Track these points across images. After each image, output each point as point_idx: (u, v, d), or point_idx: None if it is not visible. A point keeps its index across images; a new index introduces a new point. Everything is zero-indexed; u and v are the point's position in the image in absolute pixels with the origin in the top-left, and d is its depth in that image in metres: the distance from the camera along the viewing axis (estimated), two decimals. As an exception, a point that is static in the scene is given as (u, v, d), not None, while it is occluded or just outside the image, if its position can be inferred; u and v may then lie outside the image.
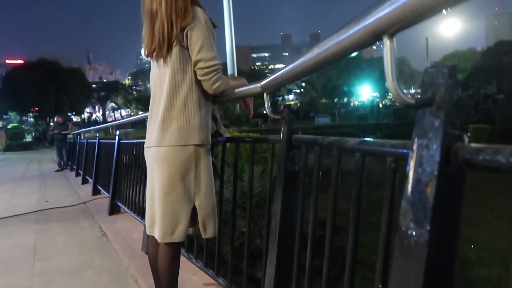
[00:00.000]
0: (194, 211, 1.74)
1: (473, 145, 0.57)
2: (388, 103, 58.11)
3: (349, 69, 60.96)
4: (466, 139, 0.59)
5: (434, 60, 66.51)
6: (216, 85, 1.70)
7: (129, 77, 74.47)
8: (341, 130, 17.77)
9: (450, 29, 79.40)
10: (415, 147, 0.62)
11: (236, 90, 1.73)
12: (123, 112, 67.78)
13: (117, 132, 5.18)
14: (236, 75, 36.17)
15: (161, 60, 1.71)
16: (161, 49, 1.67)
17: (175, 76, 1.69)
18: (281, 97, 49.53)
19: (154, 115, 1.75)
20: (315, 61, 0.97)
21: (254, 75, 71.47)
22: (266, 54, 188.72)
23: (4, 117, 33.82)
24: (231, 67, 39.70)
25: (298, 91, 47.66)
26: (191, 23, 1.63)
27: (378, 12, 0.63)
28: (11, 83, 26.35)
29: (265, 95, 1.52)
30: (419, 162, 0.60)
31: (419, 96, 0.63)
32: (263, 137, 1.83)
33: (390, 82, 0.63)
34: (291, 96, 63.09)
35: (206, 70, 1.67)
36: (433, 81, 0.59)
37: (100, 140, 6.73)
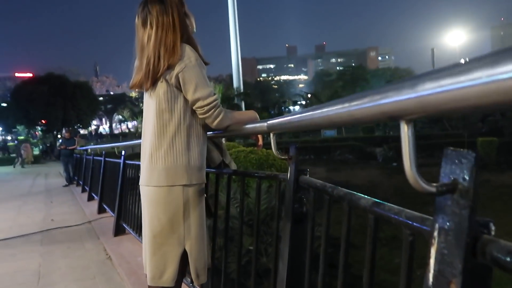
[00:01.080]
0: (185, 255, 1.69)
1: (502, 242, 0.51)
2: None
3: (355, 80, 61.12)
4: (492, 228, 0.54)
5: (440, 70, 66.19)
6: (218, 120, 1.68)
7: (137, 90, 75.18)
8: (347, 144, 17.70)
9: (455, 40, 79.37)
10: (435, 233, 0.57)
11: (243, 127, 1.69)
12: (130, 125, 68.19)
13: (123, 153, 5.16)
14: (241, 87, 36.27)
15: (148, 94, 1.70)
16: (147, 82, 1.64)
17: (162, 115, 1.66)
18: (286, 108, 49.52)
19: (144, 152, 1.74)
20: (323, 120, 0.93)
21: (259, 87, 71.81)
22: (272, 66, 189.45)
23: (13, 130, 34.12)
24: (237, 79, 39.86)
25: (304, 102, 47.64)
26: (180, 62, 1.60)
27: (399, 95, 0.58)
28: (19, 97, 26.66)
29: (271, 135, 1.48)
30: (440, 251, 0.55)
31: (439, 182, 0.57)
32: (270, 174, 1.78)
33: (408, 169, 0.58)
34: (296, 107, 63.18)
35: (206, 108, 1.65)
36: (455, 165, 0.54)
37: (106, 159, 6.72)
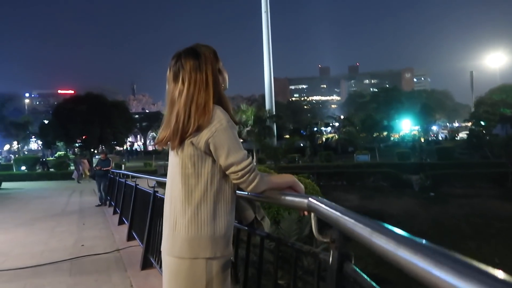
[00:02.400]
0: None
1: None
2: (431, 138, 56.17)
3: (389, 102, 59.85)
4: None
5: (479, 94, 64.10)
6: (253, 185, 1.56)
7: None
8: (381, 170, 17.13)
9: (495, 62, 76.68)
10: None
11: (281, 198, 1.55)
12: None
13: (154, 184, 5.12)
14: (273, 109, 36.30)
15: (174, 152, 1.60)
16: (174, 140, 1.56)
17: (187, 180, 1.56)
18: (318, 130, 49.00)
19: (166, 216, 1.63)
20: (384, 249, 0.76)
21: (291, 108, 71.76)
22: (304, 86, 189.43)
23: (53, 146, 35.55)
24: (269, 101, 39.99)
25: (336, 124, 47.04)
26: (210, 126, 1.50)
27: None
28: (60, 114, 27.84)
29: (312, 215, 1.32)
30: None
31: None
32: (308, 249, 1.61)
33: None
34: (328, 129, 62.45)
35: (240, 173, 1.54)
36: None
37: (138, 186, 6.73)
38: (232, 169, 1.54)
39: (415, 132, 60.19)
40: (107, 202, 12.01)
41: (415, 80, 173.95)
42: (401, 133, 63.29)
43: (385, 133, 52.41)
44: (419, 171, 16.83)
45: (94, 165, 14.30)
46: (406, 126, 58.95)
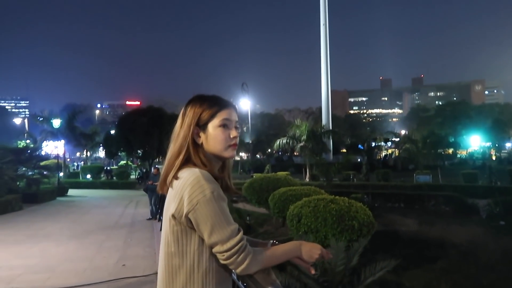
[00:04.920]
0: None
1: None
2: (505, 156, 51.61)
3: (456, 117, 56.19)
4: None
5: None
6: (242, 267, 1.32)
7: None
8: (443, 193, 15.84)
9: None
10: None
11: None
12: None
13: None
14: (330, 124, 35.44)
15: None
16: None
17: (171, 260, 1.36)
18: (376, 144, 47.06)
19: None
20: None
21: (349, 121, 69.98)
22: (364, 99, 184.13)
23: (116, 156, 37.58)
24: (326, 116, 39.27)
25: (396, 139, 44.91)
26: (190, 196, 1.30)
27: None
28: (123, 126, 29.37)
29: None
30: None
31: None
32: None
33: None
34: (388, 143, 59.81)
35: (226, 254, 1.30)
36: None
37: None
38: (217, 248, 1.31)
39: (486, 149, 55.81)
40: (158, 216, 12.25)
41: (486, 92, 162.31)
42: (470, 150, 59.03)
43: (450, 150, 49.12)
44: (488, 196, 15.34)
45: (147, 180, 14.75)
46: (475, 142, 54.88)
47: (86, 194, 22.41)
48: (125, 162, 41.46)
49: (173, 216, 1.33)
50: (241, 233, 1.34)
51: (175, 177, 1.39)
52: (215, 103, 1.48)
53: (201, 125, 1.44)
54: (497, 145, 57.02)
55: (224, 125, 1.45)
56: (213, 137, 1.44)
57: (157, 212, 12.56)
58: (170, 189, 1.41)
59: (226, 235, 1.29)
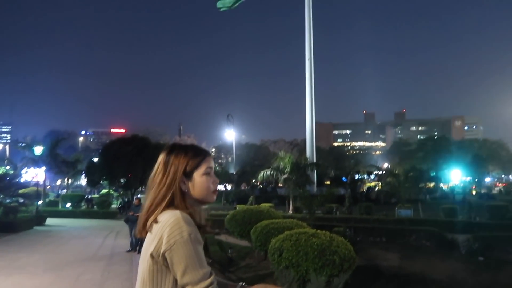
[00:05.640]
0: None
1: None
2: (483, 191, 52.66)
3: (437, 151, 57.38)
4: None
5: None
6: None
7: (213, 149, 78.55)
8: (424, 228, 16.01)
9: (555, 112, 72.08)
10: None
11: None
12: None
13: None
14: (314, 156, 35.67)
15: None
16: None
17: None
18: (359, 176, 47.45)
19: None
20: None
21: (333, 153, 70.68)
22: (348, 131, 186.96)
23: (98, 184, 36.97)
24: (310, 148, 39.64)
25: (379, 172, 45.47)
26: (168, 236, 1.39)
27: None
28: (107, 155, 29.17)
29: None
30: None
31: None
32: None
33: None
34: (372, 176, 60.38)
35: None
36: None
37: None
38: None
39: (466, 184, 56.80)
40: (137, 248, 12.03)
41: (466, 128, 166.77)
42: (451, 184, 59.98)
43: (432, 184, 49.91)
44: (467, 231, 15.59)
45: (128, 210, 14.55)
46: (456, 176, 55.91)
47: (66, 224, 21.86)
48: (107, 191, 40.71)
49: (151, 255, 1.41)
50: (212, 277, 1.43)
51: (155, 221, 1.47)
52: (199, 153, 1.60)
53: (186, 174, 1.54)
54: (476, 180, 58.23)
55: (208, 173, 1.58)
56: (199, 184, 1.56)
57: (137, 243, 12.34)
58: (149, 233, 1.50)
59: (198, 277, 1.37)
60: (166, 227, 1.40)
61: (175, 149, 1.59)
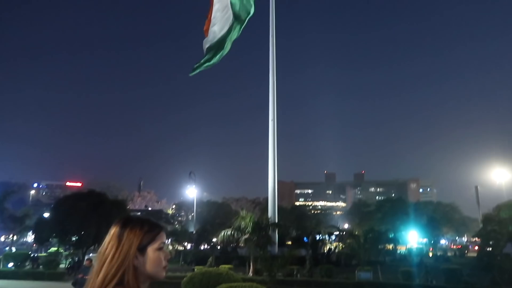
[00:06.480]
0: None
1: None
2: (440, 253, 53.79)
3: (395, 213, 58.85)
4: None
5: (487, 207, 63.06)
6: None
7: (174, 206, 76.43)
8: (383, 292, 16.02)
9: (500, 178, 76.82)
10: None
11: None
12: (161, 243, 67.44)
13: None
14: (276, 216, 35.50)
15: None
16: None
17: None
18: (321, 237, 47.29)
19: None
20: None
21: (295, 213, 70.67)
22: (310, 191, 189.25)
23: (46, 242, 34.60)
24: (272, 204, 39.48)
25: (340, 233, 45.68)
26: None
27: None
28: (59, 210, 27.68)
29: None
30: None
31: None
32: None
33: None
34: (333, 237, 60.45)
35: None
36: None
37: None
38: None
39: (423, 246, 58.00)
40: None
41: (421, 190, 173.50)
42: (409, 246, 60.99)
43: (391, 246, 50.57)
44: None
45: (77, 272, 13.63)
46: (413, 238, 57.09)
47: (5, 286, 20.01)
48: (56, 249, 38.03)
49: None
50: None
51: None
52: (154, 227, 1.58)
53: (140, 248, 1.52)
54: (432, 242, 59.74)
55: (161, 248, 1.56)
56: (153, 260, 1.53)
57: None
58: None
59: None
60: None
61: (130, 223, 1.57)
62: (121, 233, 1.53)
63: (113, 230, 1.55)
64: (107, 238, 1.55)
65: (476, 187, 66.14)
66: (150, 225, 1.60)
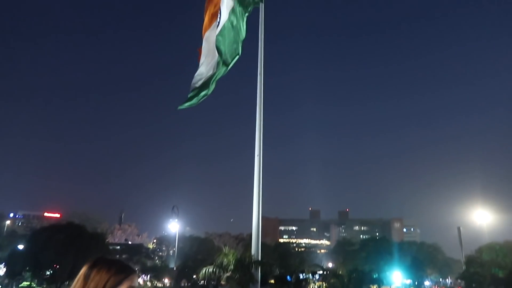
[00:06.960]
0: None
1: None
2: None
3: (378, 252, 58.46)
4: None
5: (469, 248, 63.33)
6: None
7: (154, 241, 74.47)
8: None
9: (482, 219, 77.81)
10: None
11: None
12: (140, 280, 65.17)
13: None
14: (259, 254, 34.97)
15: None
16: None
17: None
18: (305, 276, 46.49)
19: None
20: None
21: (279, 250, 69.60)
22: (294, 228, 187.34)
23: (19, 276, 33.05)
24: (256, 241, 38.72)
25: (324, 272, 44.99)
26: None
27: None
28: (35, 243, 26.64)
29: None
30: None
31: None
32: None
33: None
34: (316, 275, 59.53)
35: None
36: None
37: None
38: None
39: (407, 287, 57.34)
40: None
41: (404, 230, 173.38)
42: (393, 287, 60.23)
43: (375, 287, 49.85)
44: None
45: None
46: (397, 278, 56.46)
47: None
48: (28, 283, 36.25)
49: None
50: None
51: None
52: (123, 270, 1.57)
53: None
54: (416, 283, 59.15)
55: None
56: None
57: None
58: None
59: None
60: None
61: (98, 264, 1.56)
62: (88, 274, 1.54)
63: (83, 270, 1.57)
64: (77, 278, 1.57)
65: (459, 228, 66.65)
66: (119, 267, 1.58)
